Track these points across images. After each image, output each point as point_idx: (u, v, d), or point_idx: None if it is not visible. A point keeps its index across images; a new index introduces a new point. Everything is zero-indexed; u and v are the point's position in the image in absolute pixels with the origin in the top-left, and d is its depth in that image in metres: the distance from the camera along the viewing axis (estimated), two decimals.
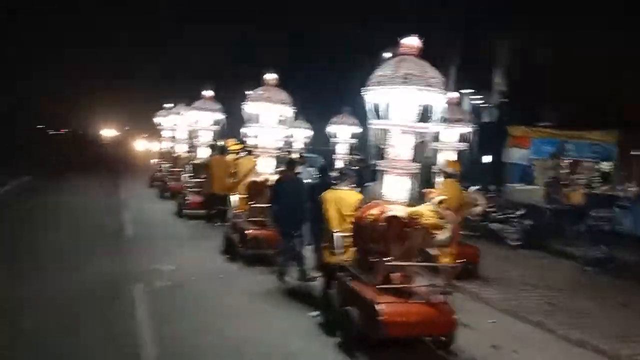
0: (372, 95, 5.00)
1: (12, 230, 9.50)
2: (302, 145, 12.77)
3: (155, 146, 44.60)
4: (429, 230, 4.77)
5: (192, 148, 14.89)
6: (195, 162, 12.24)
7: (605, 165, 12.60)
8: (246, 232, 7.96)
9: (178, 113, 14.72)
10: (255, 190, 8.30)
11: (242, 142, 12.09)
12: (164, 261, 7.87)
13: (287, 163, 7.76)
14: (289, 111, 8.33)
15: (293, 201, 7.15)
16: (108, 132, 68.78)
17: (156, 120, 18.13)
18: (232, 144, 12.34)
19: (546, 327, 6.20)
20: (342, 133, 10.76)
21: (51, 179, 18.34)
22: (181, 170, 14.39)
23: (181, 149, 14.99)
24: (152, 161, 19.44)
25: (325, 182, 7.66)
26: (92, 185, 17.44)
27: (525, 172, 12.24)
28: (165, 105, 17.97)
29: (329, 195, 5.89)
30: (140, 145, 45.78)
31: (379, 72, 4.95)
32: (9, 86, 25.22)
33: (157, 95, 23.42)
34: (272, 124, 8.40)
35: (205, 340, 5.08)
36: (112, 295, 6.22)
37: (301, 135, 12.70)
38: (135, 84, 43.34)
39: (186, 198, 11.81)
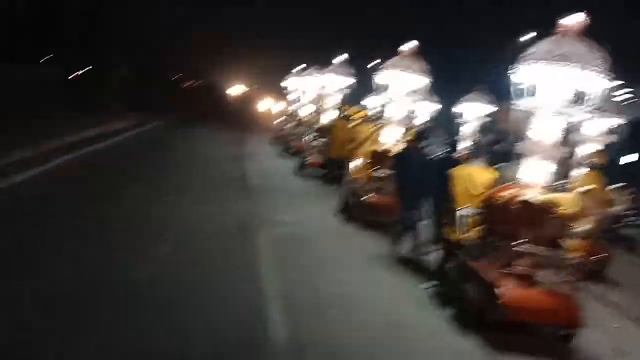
0: (523, 73, 4.81)
1: (147, 167, 10.70)
2: (427, 119, 12.53)
3: (279, 107, 46.51)
4: (567, 220, 4.54)
5: (318, 111, 15.38)
6: (321, 125, 12.64)
7: None
8: (364, 198, 8.16)
9: (310, 75, 15.14)
10: (377, 159, 8.43)
11: (364, 110, 12.38)
12: (285, 213, 8.37)
13: (415, 134, 7.74)
14: (423, 81, 8.18)
15: (417, 173, 7.13)
16: (237, 88, 72.61)
17: (285, 83, 18.82)
18: (355, 111, 12.51)
19: None
20: (472, 112, 10.35)
21: (180, 126, 20.10)
22: (305, 132, 15.01)
23: (307, 112, 15.51)
24: (276, 121, 20.30)
25: (454, 158, 7.63)
26: (218, 136, 18.76)
27: None
28: (294, 70, 18.58)
29: (459, 171, 5.84)
30: (266, 104, 47.98)
31: (534, 49, 4.73)
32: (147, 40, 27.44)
33: (287, 58, 24.21)
34: (402, 94, 8.36)
35: (324, 292, 5.30)
36: (239, 235, 6.82)
37: (428, 108, 12.47)
38: (269, 45, 44.66)
39: (308, 158, 12.31)
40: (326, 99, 12.90)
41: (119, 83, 22.79)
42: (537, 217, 4.71)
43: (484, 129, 10.55)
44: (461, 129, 10.65)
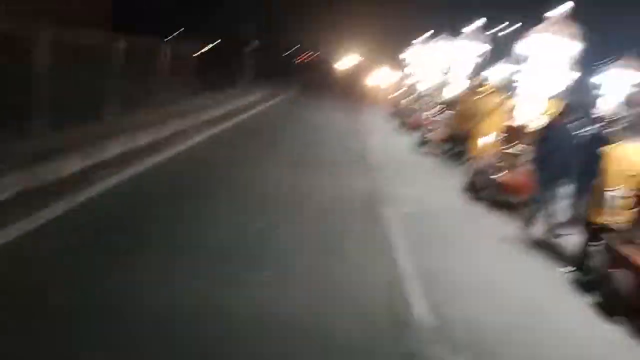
0: None
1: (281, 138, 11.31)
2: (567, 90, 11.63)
3: (393, 78, 45.43)
4: None
5: (443, 83, 14.80)
6: (446, 97, 12.27)
7: None
8: (494, 176, 7.87)
9: (437, 43, 14.58)
10: (512, 134, 8.04)
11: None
12: (409, 188, 8.38)
13: (563, 108, 7.22)
14: (576, 47, 7.40)
15: (560, 150, 6.71)
16: (349, 60, 71.57)
17: (404, 54, 18.48)
18: (482, 83, 11.94)
19: None
20: (619, 80, 9.27)
21: (301, 100, 20.79)
22: (426, 105, 14.63)
23: (429, 83, 15.07)
24: (393, 94, 20.10)
25: (604, 135, 7.03)
26: (336, 109, 19.07)
27: None
28: (418, 39, 18.12)
29: (615, 150, 5.37)
30: (379, 76, 47.16)
31: None
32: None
33: (407, 28, 23.61)
34: (550, 63, 7.65)
35: (457, 274, 5.22)
36: (364, 213, 6.97)
37: (569, 78, 11.53)
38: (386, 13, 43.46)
39: (429, 133, 12.08)
40: (456, 69, 12.38)
41: (250, 57, 23.42)
42: None
43: (630, 101, 9.53)
44: (600, 100, 9.72)
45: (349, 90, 30.65)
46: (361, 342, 3.56)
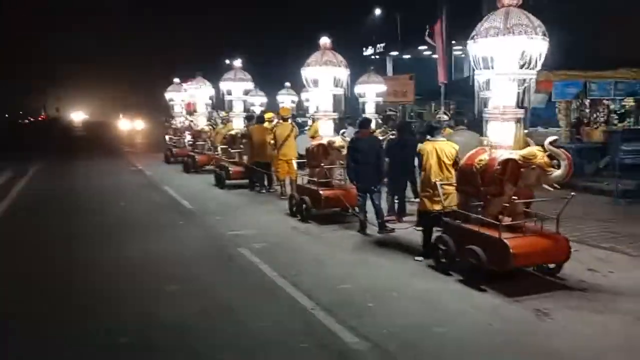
0: (479, 47, 5.29)
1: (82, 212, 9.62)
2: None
3: (139, 124, 44.32)
4: (544, 169, 5.16)
5: (217, 120, 15.23)
6: (232, 133, 12.35)
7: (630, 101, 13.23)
8: (320, 192, 8.27)
9: (198, 87, 14.69)
10: (321, 152, 8.56)
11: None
12: (242, 228, 8.14)
13: (360, 122, 8.02)
14: (345, 73, 8.52)
15: (370, 158, 7.51)
16: (78, 116, 68.87)
17: (168, 95, 18.03)
18: (267, 113, 12.66)
19: (621, 251, 6.77)
20: (369, 92, 10.96)
21: (59, 165, 18.13)
22: (204, 143, 14.71)
23: (202, 122, 15.15)
24: (166, 137, 19.35)
25: (405, 138, 8.12)
26: (105, 168, 17.28)
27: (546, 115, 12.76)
28: (175, 80, 17.89)
29: (429, 146, 6.25)
30: (125, 124, 45.35)
31: (486, 25, 5.21)
32: None
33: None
34: (329, 87, 8.55)
35: (350, 286, 5.51)
36: (225, 255, 6.65)
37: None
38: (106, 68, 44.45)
39: (228, 169, 11.96)
40: (230, 106, 12.65)
41: None
42: (519, 171, 5.24)
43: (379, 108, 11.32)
44: (365, 106, 11.27)
45: (95, 144, 28.21)
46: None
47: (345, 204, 8.28)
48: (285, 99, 15.53)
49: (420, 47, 20.94)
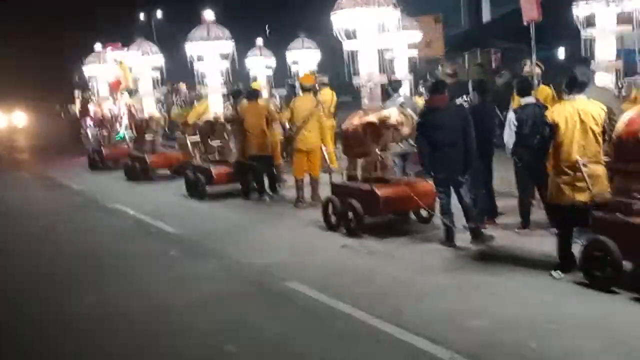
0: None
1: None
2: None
3: (19, 119, 43.13)
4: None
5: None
6: (209, 118, 12.10)
7: None
8: (376, 192, 8.17)
9: (143, 53, 14.30)
10: (369, 134, 8.47)
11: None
12: (271, 255, 7.98)
13: (432, 86, 7.97)
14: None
15: (454, 136, 7.50)
16: None
17: (88, 69, 17.62)
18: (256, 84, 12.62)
19: None
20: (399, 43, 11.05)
21: None
22: (152, 138, 14.55)
23: (151, 106, 14.83)
24: (86, 131, 18.95)
25: (485, 103, 8.43)
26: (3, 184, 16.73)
27: None
28: (97, 47, 17.48)
29: (566, 109, 6.20)
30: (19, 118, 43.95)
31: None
32: None
33: None
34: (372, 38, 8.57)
35: (484, 322, 5.51)
36: (272, 294, 6.54)
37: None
38: None
39: (209, 171, 11.70)
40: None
41: None
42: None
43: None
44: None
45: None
46: None
47: (418, 205, 8.27)
48: (257, 63, 15.55)
49: None
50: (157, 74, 14.78)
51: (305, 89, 10.92)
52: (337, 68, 10.71)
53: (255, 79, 15.11)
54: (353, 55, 8.76)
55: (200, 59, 12.22)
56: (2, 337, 6.07)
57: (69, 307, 6.67)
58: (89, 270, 8.02)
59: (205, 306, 6.46)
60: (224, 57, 12.24)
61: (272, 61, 15.84)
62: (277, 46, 16.15)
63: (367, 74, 8.62)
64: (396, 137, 8.47)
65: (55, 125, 35.96)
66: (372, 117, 8.46)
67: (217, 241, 8.98)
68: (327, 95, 13.10)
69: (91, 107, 20.87)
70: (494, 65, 17.78)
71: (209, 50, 12.07)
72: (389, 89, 9.44)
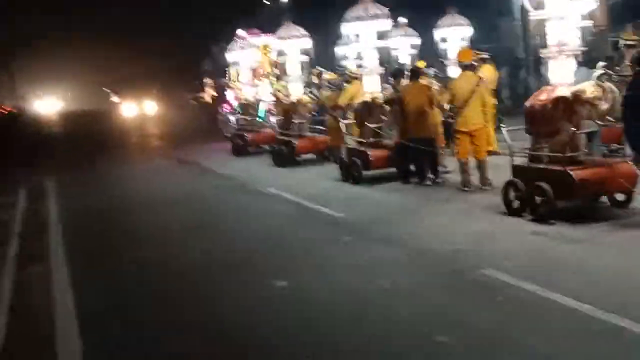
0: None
1: None
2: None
3: (150, 107, 45.39)
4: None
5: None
6: (366, 99, 11.84)
7: None
8: (571, 174, 7.56)
9: (291, 37, 14.37)
10: (560, 111, 7.84)
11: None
12: (461, 242, 7.50)
13: None
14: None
15: None
16: (50, 105, 67.69)
17: (232, 56, 18.02)
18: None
19: None
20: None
21: (78, 174, 18.23)
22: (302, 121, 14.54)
23: (298, 90, 14.85)
24: (225, 117, 19.47)
25: None
26: (151, 171, 17.32)
27: None
28: (240, 33, 17.88)
29: None
30: (129, 108, 46.07)
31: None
32: None
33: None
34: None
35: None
36: (490, 292, 5.97)
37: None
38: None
39: (367, 154, 11.44)
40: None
41: None
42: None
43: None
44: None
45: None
46: None
47: (618, 187, 7.65)
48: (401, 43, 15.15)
49: None
50: (306, 58, 14.72)
51: (464, 67, 10.43)
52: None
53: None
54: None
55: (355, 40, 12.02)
56: (205, 321, 5.94)
57: (261, 291, 6.56)
58: (273, 256, 7.86)
59: (401, 294, 6.12)
60: (380, 36, 11.92)
61: (417, 40, 15.42)
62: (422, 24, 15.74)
63: (559, 43, 7.95)
64: (593, 113, 7.74)
65: (186, 113, 37.39)
66: (564, 91, 7.81)
67: (389, 227, 8.66)
68: (489, 72, 12.48)
69: (229, 94, 21.45)
70: None
71: (366, 30, 11.77)
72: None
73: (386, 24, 11.79)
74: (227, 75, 21.54)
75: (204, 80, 34.22)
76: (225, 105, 22.59)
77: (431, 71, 13.34)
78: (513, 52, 25.05)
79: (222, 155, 18.50)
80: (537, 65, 18.99)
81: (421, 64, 13.32)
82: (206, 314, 6.04)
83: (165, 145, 24.73)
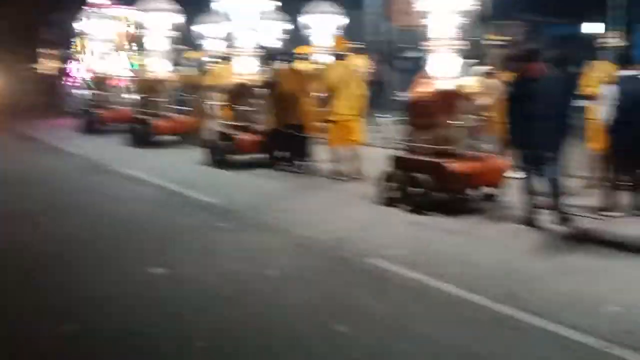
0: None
1: None
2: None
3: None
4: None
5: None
6: (237, 82, 11.51)
7: None
8: (445, 166, 7.82)
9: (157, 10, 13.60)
10: (439, 105, 8.07)
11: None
12: (378, 241, 7.28)
13: (527, 52, 7.58)
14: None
15: (551, 110, 7.09)
16: None
17: (79, 25, 16.86)
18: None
19: None
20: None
21: None
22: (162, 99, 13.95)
23: (162, 66, 14.18)
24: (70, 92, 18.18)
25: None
26: None
27: None
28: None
29: None
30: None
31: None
32: None
33: None
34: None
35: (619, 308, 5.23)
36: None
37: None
38: None
39: (235, 138, 11.14)
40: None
41: None
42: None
43: None
44: None
45: None
46: None
47: (491, 182, 8.07)
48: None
49: None
50: (175, 33, 14.08)
51: (338, 56, 10.49)
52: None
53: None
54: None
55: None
56: (91, 305, 5.41)
57: (140, 275, 6.16)
58: (144, 242, 7.40)
59: (292, 282, 5.97)
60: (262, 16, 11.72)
61: (285, 26, 15.29)
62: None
63: (436, 39, 8.16)
64: (471, 108, 8.02)
65: (24, 85, 34.63)
66: (445, 86, 8.03)
67: (265, 213, 8.44)
68: (361, 62, 12.65)
69: (74, 66, 20.17)
70: None
71: (244, 10, 11.48)
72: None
73: (269, 4, 11.56)
74: (71, 47, 20.21)
75: (41, 50, 31.77)
76: (69, 78, 21.14)
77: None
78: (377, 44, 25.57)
79: (67, 132, 17.26)
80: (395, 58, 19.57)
81: (304, 49, 13.09)
82: (72, 305, 5.47)
83: (1, 119, 22.72)
